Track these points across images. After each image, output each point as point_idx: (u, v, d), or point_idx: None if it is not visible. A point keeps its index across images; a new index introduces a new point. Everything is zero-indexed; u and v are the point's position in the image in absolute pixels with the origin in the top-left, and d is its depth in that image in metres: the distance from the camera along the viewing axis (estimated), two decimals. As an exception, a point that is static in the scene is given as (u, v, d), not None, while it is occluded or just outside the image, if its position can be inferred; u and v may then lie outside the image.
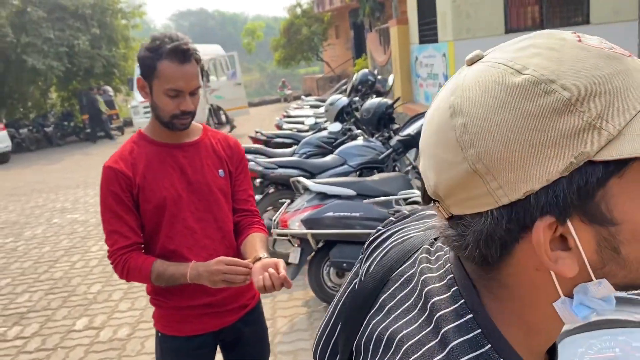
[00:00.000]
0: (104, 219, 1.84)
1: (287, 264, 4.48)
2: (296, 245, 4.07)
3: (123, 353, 3.81)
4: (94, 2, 20.29)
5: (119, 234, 1.82)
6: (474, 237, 0.51)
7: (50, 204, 9.23)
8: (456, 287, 0.57)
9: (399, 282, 0.65)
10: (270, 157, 5.61)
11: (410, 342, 0.56)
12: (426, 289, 0.60)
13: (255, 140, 6.88)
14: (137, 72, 1.85)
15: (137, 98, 16.69)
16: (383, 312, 0.64)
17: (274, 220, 4.04)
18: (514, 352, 0.53)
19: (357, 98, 7.09)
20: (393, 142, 4.95)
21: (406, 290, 0.63)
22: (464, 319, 0.54)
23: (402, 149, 4.91)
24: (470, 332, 0.53)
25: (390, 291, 0.65)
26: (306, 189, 4.10)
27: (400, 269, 0.67)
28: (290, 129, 7.96)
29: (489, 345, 0.52)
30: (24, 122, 19.68)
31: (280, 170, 4.97)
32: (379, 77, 8.13)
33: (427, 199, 0.56)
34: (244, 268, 1.70)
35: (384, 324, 0.61)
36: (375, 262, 0.71)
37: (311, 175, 4.86)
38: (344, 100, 6.50)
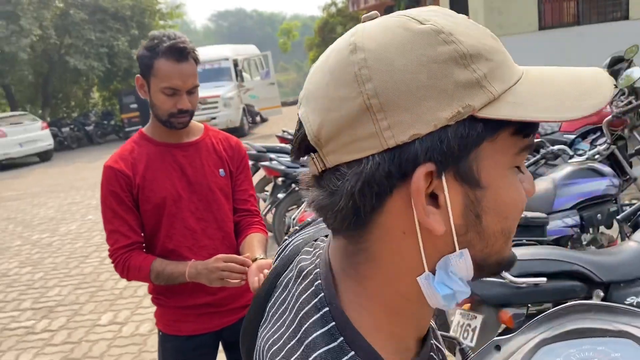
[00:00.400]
0: (104, 218, 1.87)
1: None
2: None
3: (143, 348, 3.89)
4: (133, 4, 20.80)
5: (119, 234, 1.84)
6: (349, 188, 0.49)
7: (86, 201, 9.51)
8: (319, 282, 0.56)
9: (281, 287, 0.64)
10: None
11: (275, 346, 0.56)
12: (297, 288, 0.59)
13: (282, 139, 6.92)
14: None
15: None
16: (267, 321, 0.63)
17: (293, 219, 4.05)
18: (367, 344, 0.52)
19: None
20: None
21: (283, 295, 0.62)
22: (321, 312, 0.54)
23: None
24: (325, 326, 0.53)
25: (274, 299, 0.65)
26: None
27: (284, 274, 0.66)
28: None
29: (342, 338, 0.52)
30: (66, 121, 20.35)
31: (303, 169, 4.98)
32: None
33: (297, 153, 0.54)
34: (240, 265, 1.70)
35: (267, 334, 0.61)
36: (270, 272, 0.71)
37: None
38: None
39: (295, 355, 0.53)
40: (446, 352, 0.62)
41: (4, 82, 20.26)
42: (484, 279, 2.17)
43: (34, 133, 16.02)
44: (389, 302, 0.54)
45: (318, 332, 0.53)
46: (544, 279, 2.23)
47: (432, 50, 0.47)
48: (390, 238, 0.51)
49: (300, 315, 0.56)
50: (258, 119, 17.47)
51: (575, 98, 0.49)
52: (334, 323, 0.53)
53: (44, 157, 16.58)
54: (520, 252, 2.42)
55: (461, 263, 0.51)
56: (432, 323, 0.65)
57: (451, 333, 2.51)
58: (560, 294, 2.29)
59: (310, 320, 0.54)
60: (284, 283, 0.64)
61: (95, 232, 7.31)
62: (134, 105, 18.82)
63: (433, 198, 0.49)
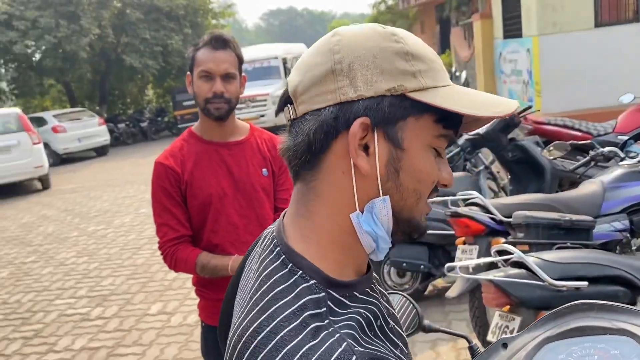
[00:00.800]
0: (154, 212, 1.97)
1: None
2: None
3: (190, 338, 4.04)
4: (186, 3, 21.33)
5: (168, 227, 1.95)
6: (307, 128, 0.67)
7: (139, 195, 9.87)
8: (274, 234, 0.73)
9: (248, 260, 0.80)
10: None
11: (242, 295, 0.72)
12: (259, 250, 0.76)
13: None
14: None
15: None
16: (239, 291, 0.76)
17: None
18: (313, 266, 0.67)
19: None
20: (461, 140, 4.85)
21: (250, 264, 0.77)
22: (274, 252, 0.71)
23: (470, 148, 4.80)
24: (277, 260, 0.69)
25: (244, 272, 0.79)
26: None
27: (253, 250, 0.82)
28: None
29: (291, 264, 0.68)
30: (122, 118, 21.08)
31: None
32: (456, 73, 7.94)
33: (279, 107, 0.73)
34: None
35: (237, 300, 0.74)
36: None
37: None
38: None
39: (255, 287, 0.68)
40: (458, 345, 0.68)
41: (64, 79, 21.21)
42: (518, 280, 2.16)
43: (91, 129, 16.68)
44: (332, 234, 0.69)
45: (272, 266, 0.69)
46: (585, 283, 2.20)
47: (386, 44, 0.67)
48: (333, 177, 0.68)
49: (261, 266, 0.71)
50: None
51: (485, 104, 0.68)
52: (284, 256, 0.69)
53: (100, 152, 17.25)
54: (563, 255, 2.39)
55: (383, 209, 0.68)
56: (376, 277, 0.80)
57: (489, 335, 2.51)
58: (601, 299, 2.24)
59: (267, 260, 0.70)
60: (251, 255, 0.79)
61: (147, 225, 7.58)
62: (187, 103, 19.34)
63: (366, 149, 0.66)
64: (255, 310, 0.65)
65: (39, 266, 6.44)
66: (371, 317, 0.68)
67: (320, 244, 0.69)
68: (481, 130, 4.82)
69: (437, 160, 0.70)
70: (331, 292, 0.66)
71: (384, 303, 0.76)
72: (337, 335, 0.61)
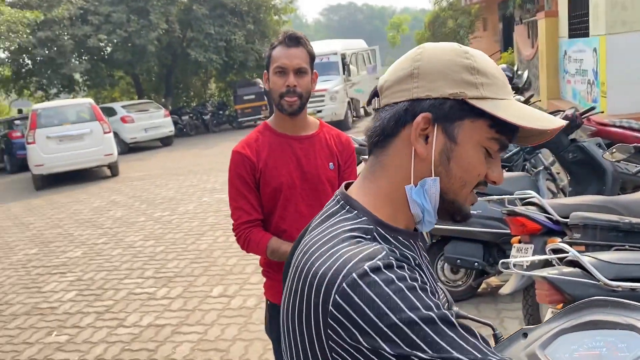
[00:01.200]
0: (230, 196, 2.15)
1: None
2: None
3: (249, 320, 4.26)
4: (250, 0, 21.75)
5: (242, 211, 2.12)
6: (384, 116, 0.85)
7: (202, 184, 10.26)
8: (337, 196, 0.89)
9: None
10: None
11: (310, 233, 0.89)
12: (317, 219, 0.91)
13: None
14: None
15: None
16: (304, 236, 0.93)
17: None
18: (367, 210, 0.84)
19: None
20: (521, 141, 4.83)
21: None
22: (335, 199, 0.89)
23: (530, 148, 4.78)
24: (338, 204, 0.87)
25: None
26: (423, 184, 4.20)
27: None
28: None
29: (348, 207, 0.85)
30: (186, 110, 21.75)
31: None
32: (519, 72, 7.83)
33: (369, 100, 0.90)
34: None
35: (299, 245, 0.90)
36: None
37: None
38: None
39: (315, 223, 0.87)
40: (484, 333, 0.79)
41: (133, 72, 22.14)
42: (572, 278, 2.21)
43: (157, 120, 17.38)
44: (388, 194, 0.85)
45: (332, 209, 0.87)
46: (640, 284, 2.22)
47: (457, 59, 0.83)
48: (397, 156, 0.85)
49: (322, 214, 0.89)
50: (362, 113, 17.63)
51: (534, 119, 0.82)
52: (343, 201, 0.87)
53: (165, 142, 17.92)
54: (619, 256, 2.41)
55: (433, 187, 0.83)
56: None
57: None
58: (657, 300, 2.26)
59: (328, 207, 0.89)
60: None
61: (210, 213, 7.91)
62: (247, 97, 19.78)
63: (426, 139, 0.82)
64: (315, 233, 0.84)
65: (109, 247, 6.86)
66: (409, 256, 0.83)
67: (376, 197, 0.85)
68: (542, 130, 4.79)
69: (488, 160, 0.84)
70: (379, 228, 0.82)
71: (425, 262, 0.91)
72: (380, 245, 0.78)
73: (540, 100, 9.77)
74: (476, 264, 3.95)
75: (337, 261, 0.74)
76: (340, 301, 0.71)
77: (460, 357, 0.68)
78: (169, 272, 5.67)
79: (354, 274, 0.72)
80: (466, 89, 0.81)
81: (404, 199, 0.85)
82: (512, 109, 0.82)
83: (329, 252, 0.77)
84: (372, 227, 0.81)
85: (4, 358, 4.13)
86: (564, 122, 0.84)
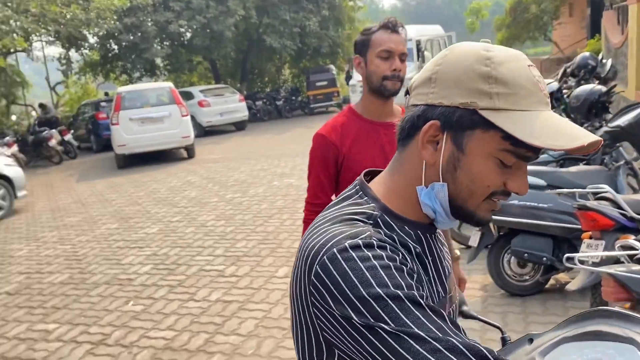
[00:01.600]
0: (308, 177, 2.20)
1: (467, 247, 4.56)
2: (478, 229, 4.13)
3: (311, 302, 4.36)
4: (326, -15, 21.79)
5: (312, 193, 2.18)
6: (407, 117, 0.88)
7: (272, 169, 10.50)
8: (358, 187, 0.94)
9: None
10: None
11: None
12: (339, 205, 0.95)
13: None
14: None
15: (355, 77, 17.61)
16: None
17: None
18: (379, 199, 0.89)
19: (572, 83, 6.63)
20: (600, 133, 4.61)
21: None
22: (352, 184, 0.95)
23: (610, 141, 4.55)
24: (353, 189, 0.93)
25: None
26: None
27: None
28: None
29: (361, 192, 0.91)
30: (260, 95, 22.19)
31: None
32: (603, 61, 7.42)
33: (405, 94, 0.93)
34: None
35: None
36: None
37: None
38: (553, 85, 6.15)
39: (333, 207, 0.91)
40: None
41: (211, 57, 22.82)
42: (638, 276, 2.13)
43: (232, 104, 17.86)
44: (402, 188, 0.90)
45: (347, 193, 0.93)
46: None
47: (476, 66, 0.81)
48: (413, 157, 0.88)
49: (341, 197, 0.93)
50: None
51: (551, 136, 0.76)
52: (358, 187, 0.93)
53: (239, 126, 18.41)
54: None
55: (441, 192, 0.85)
56: (443, 238, 0.99)
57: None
58: None
59: (348, 188, 0.95)
60: None
61: (278, 197, 8.10)
62: (320, 83, 19.89)
63: (437, 144, 0.84)
64: (325, 213, 0.90)
65: (183, 225, 7.20)
66: (409, 245, 0.86)
67: (391, 190, 0.90)
68: (622, 122, 4.56)
69: (506, 170, 0.82)
70: (384, 215, 0.86)
71: (435, 254, 0.93)
72: (368, 227, 0.83)
73: (624, 91, 9.20)
74: (544, 258, 3.84)
75: (325, 237, 0.82)
76: (320, 271, 0.79)
77: (420, 332, 0.72)
78: (237, 251, 5.89)
79: (334, 249, 0.79)
80: (478, 99, 0.79)
81: (416, 197, 0.88)
82: (528, 123, 0.77)
83: (324, 230, 0.84)
84: (377, 213, 0.86)
85: (87, 322, 4.47)
86: (595, 139, 0.76)
